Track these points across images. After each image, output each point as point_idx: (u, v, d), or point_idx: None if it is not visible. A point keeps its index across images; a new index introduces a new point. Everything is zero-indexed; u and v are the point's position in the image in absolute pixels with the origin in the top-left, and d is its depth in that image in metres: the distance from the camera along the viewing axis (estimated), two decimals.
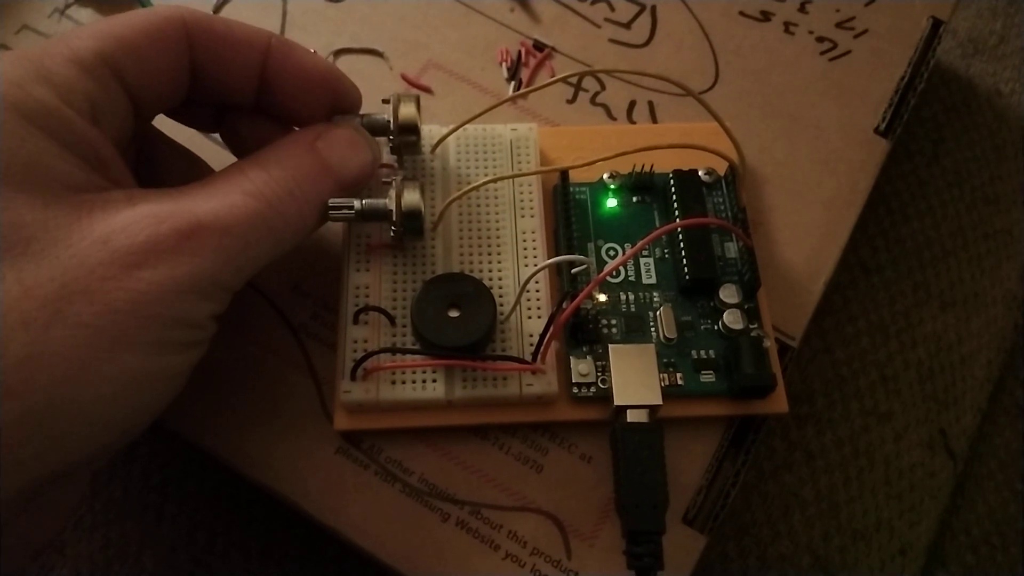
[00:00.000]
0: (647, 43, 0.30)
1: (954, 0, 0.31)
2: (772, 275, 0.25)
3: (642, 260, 0.25)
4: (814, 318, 0.25)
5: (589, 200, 0.26)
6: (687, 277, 0.24)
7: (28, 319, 0.16)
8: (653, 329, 0.24)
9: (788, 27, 0.30)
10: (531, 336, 0.23)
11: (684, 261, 0.24)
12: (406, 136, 0.24)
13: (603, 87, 0.29)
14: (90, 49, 0.19)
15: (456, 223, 0.24)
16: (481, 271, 0.24)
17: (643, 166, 0.25)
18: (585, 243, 0.25)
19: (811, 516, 0.28)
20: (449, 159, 0.25)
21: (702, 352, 0.23)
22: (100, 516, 0.27)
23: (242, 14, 0.30)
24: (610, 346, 0.23)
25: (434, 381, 0.22)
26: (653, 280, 0.24)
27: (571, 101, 0.29)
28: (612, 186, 0.26)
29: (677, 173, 0.25)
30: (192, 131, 0.26)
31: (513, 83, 0.29)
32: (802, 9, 0.31)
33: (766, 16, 0.31)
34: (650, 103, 0.29)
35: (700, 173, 0.26)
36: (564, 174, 0.25)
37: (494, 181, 0.24)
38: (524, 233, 0.24)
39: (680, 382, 0.23)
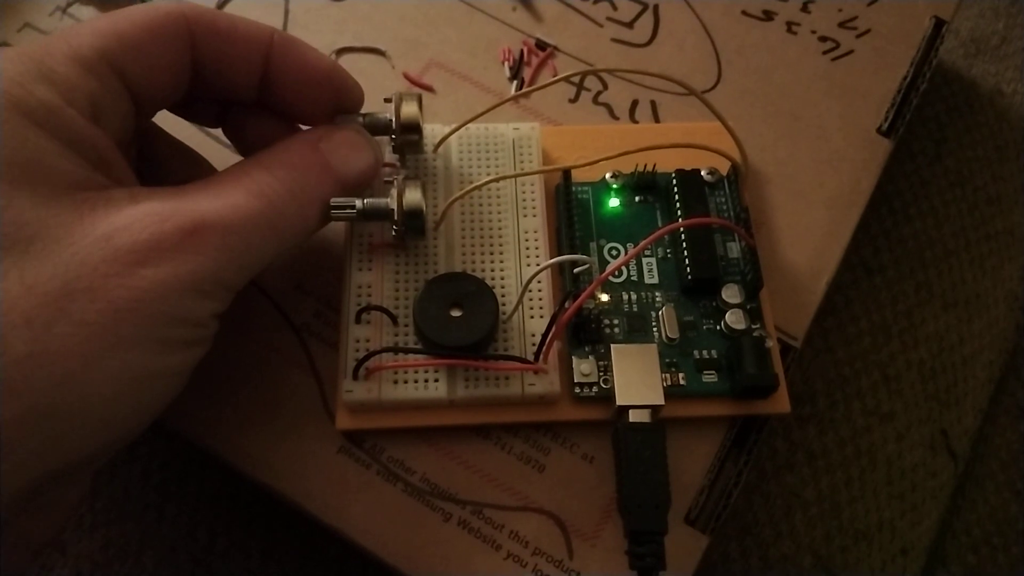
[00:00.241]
0: (649, 42, 0.30)
1: (956, 0, 0.31)
2: (774, 275, 0.25)
3: (644, 260, 0.25)
4: (816, 318, 0.25)
5: (591, 200, 0.26)
6: (689, 277, 0.24)
7: (30, 317, 0.16)
8: (655, 329, 0.24)
9: (791, 27, 0.30)
10: (533, 336, 0.23)
11: (686, 261, 0.24)
12: (408, 135, 0.23)
13: (605, 86, 0.29)
14: (91, 47, 0.19)
15: (458, 222, 0.24)
16: (483, 270, 0.24)
17: (645, 166, 0.25)
18: (587, 243, 0.25)
19: (813, 516, 0.28)
20: (451, 158, 0.25)
21: (704, 352, 0.23)
22: (101, 515, 0.27)
23: (245, 13, 0.29)
24: (612, 346, 0.23)
25: (436, 381, 0.22)
26: (655, 280, 0.24)
27: (573, 100, 0.29)
28: (614, 186, 0.26)
29: (679, 173, 0.25)
30: (193, 129, 0.26)
31: (515, 82, 0.29)
32: (804, 9, 0.31)
33: (768, 15, 0.31)
34: (652, 102, 0.29)
35: (702, 173, 0.26)
36: (566, 173, 0.25)
37: (496, 180, 0.24)
38: (526, 232, 0.24)
39: (682, 382, 0.23)
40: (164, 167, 0.23)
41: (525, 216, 0.25)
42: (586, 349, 0.23)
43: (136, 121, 0.21)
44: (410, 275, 0.24)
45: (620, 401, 0.22)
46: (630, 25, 0.30)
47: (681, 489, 0.22)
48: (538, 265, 0.23)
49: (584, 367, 0.23)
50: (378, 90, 0.24)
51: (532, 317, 0.23)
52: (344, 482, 0.23)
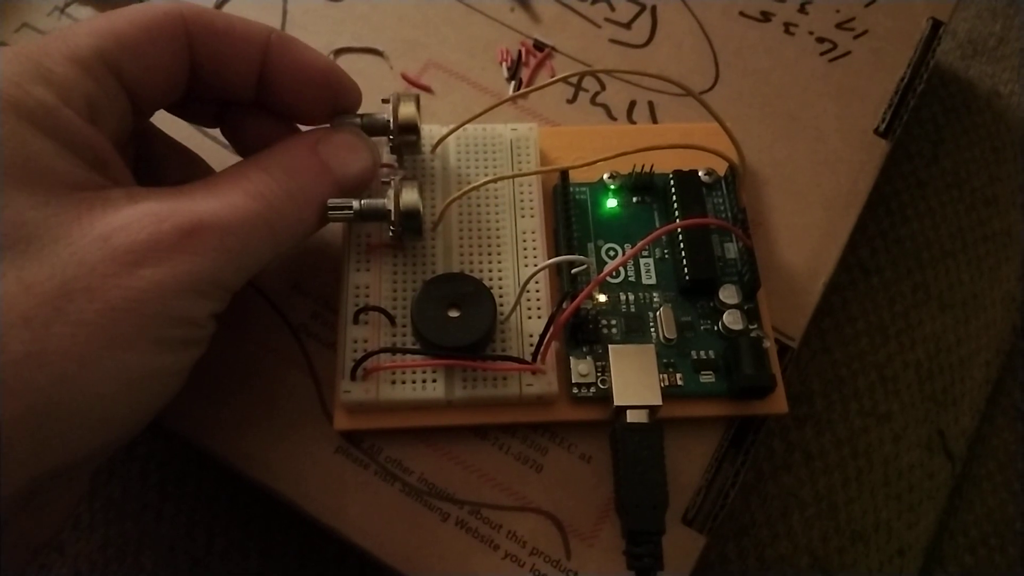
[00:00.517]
0: (647, 43, 0.30)
1: (954, 1, 0.31)
2: (772, 276, 0.25)
3: (642, 260, 0.25)
4: (813, 319, 0.25)
5: (589, 200, 0.26)
6: (687, 277, 0.24)
7: (28, 316, 0.16)
8: (653, 329, 0.24)
9: (788, 28, 0.30)
10: (531, 336, 0.23)
11: (684, 261, 0.24)
12: (406, 136, 0.23)
13: (603, 87, 0.29)
14: (89, 47, 0.19)
15: (456, 223, 0.24)
16: (481, 271, 0.24)
17: (643, 166, 0.25)
18: (585, 243, 0.25)
19: (810, 517, 0.28)
20: (449, 159, 0.25)
21: (702, 352, 0.23)
22: (99, 515, 0.27)
23: (242, 13, 0.29)
24: (610, 346, 0.23)
25: (434, 381, 0.22)
26: (653, 280, 0.24)
27: (571, 101, 0.29)
28: (612, 186, 0.26)
29: (677, 173, 0.25)
30: (191, 129, 0.26)
31: (513, 83, 0.29)
32: (802, 10, 0.31)
33: (766, 16, 0.31)
34: (650, 103, 0.29)
35: (700, 173, 0.26)
36: (564, 174, 0.25)
37: (494, 181, 0.24)
38: (524, 233, 0.24)
39: (680, 382, 0.23)
40: (161, 167, 0.23)
41: (523, 217, 0.25)
42: (584, 349, 0.23)
43: (133, 121, 0.21)
44: (408, 276, 0.24)
45: (618, 401, 0.22)
46: (628, 26, 0.30)
47: (678, 489, 0.22)
48: (536, 266, 0.24)
49: (582, 367, 0.23)
50: (376, 91, 0.24)
51: (530, 317, 0.23)
52: (342, 482, 0.23)
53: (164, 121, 0.23)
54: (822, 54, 0.30)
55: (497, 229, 0.24)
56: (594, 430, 0.23)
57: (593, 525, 0.22)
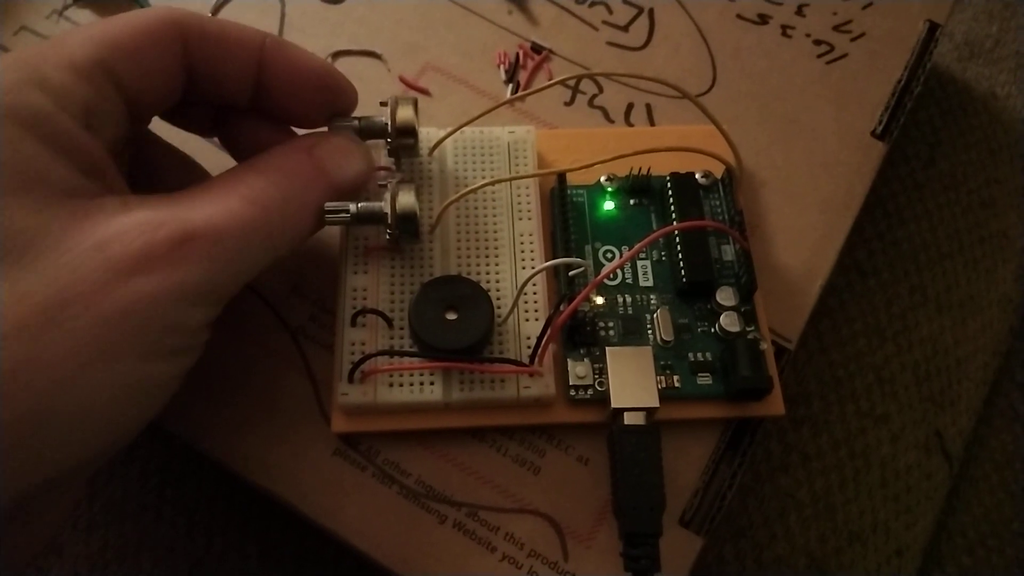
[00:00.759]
0: (645, 46, 0.30)
1: (950, 3, 0.31)
2: (769, 278, 0.25)
3: (639, 263, 0.25)
4: (810, 320, 0.25)
5: (586, 203, 0.26)
6: (684, 280, 0.24)
7: (22, 325, 0.16)
8: (650, 331, 0.24)
9: (785, 30, 0.30)
10: (528, 339, 0.23)
11: (681, 264, 0.24)
12: (403, 139, 0.24)
13: (601, 90, 0.29)
14: (86, 53, 0.19)
15: (454, 226, 0.24)
16: (479, 274, 0.24)
17: (640, 169, 0.25)
18: (582, 246, 0.25)
19: (807, 518, 0.28)
20: (447, 161, 0.25)
21: (699, 354, 0.23)
22: (99, 517, 0.27)
23: (241, 16, 0.30)
24: (607, 348, 0.23)
25: (432, 383, 0.22)
26: (650, 283, 0.25)
27: (569, 104, 0.29)
28: (609, 189, 0.26)
29: (674, 176, 0.26)
30: (189, 134, 0.26)
31: (511, 85, 0.29)
32: (799, 12, 0.31)
33: (763, 19, 0.31)
34: (648, 106, 0.29)
35: (697, 176, 0.26)
36: (562, 177, 0.25)
37: (492, 184, 0.24)
38: (521, 236, 0.24)
39: (677, 384, 0.23)
40: (159, 173, 0.23)
41: (520, 219, 0.25)
42: (581, 352, 0.23)
43: (130, 127, 0.21)
44: (405, 278, 0.24)
45: (615, 403, 0.22)
46: (625, 29, 0.30)
47: (676, 491, 0.22)
48: (533, 268, 0.24)
49: (579, 369, 0.23)
50: (374, 93, 0.24)
51: (527, 320, 0.23)
52: (339, 484, 0.23)
53: (161, 127, 0.23)
54: (819, 56, 0.30)
55: (495, 232, 0.24)
56: (591, 432, 0.23)
57: (591, 527, 0.22)
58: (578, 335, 0.23)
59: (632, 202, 0.26)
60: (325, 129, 0.23)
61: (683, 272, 0.24)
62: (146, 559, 0.26)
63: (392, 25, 0.30)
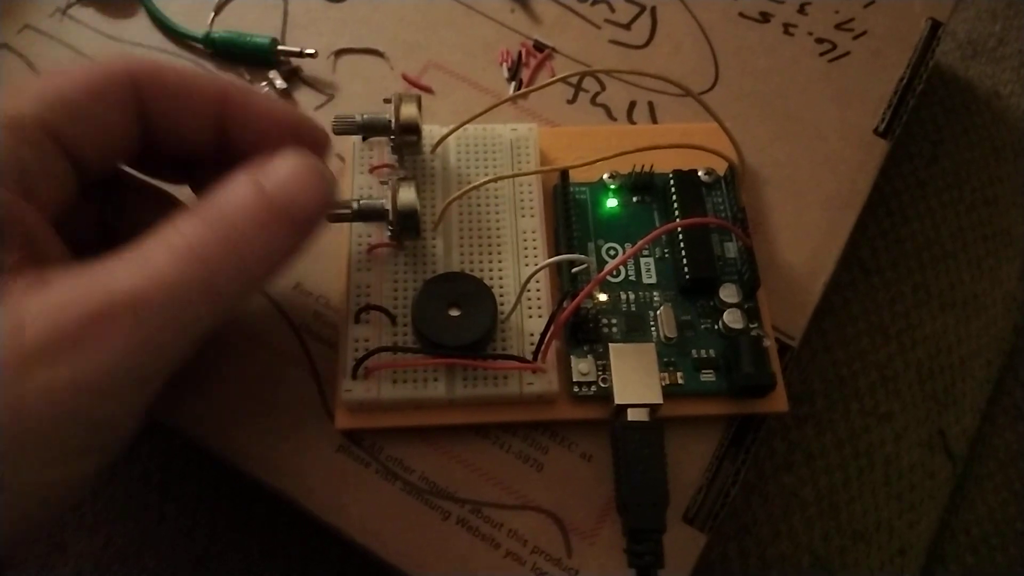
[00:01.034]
0: (647, 44, 0.30)
1: (953, 2, 0.31)
2: (772, 275, 0.25)
3: (642, 260, 0.25)
4: (814, 318, 0.25)
5: (589, 200, 0.26)
6: (687, 277, 0.24)
7: None
8: (653, 328, 0.24)
9: (787, 28, 0.30)
10: (532, 335, 0.23)
11: (684, 261, 0.24)
12: (407, 136, 0.24)
13: (603, 87, 0.29)
14: (28, 114, 0.18)
15: (456, 223, 0.24)
16: (481, 270, 0.24)
17: (643, 166, 0.25)
18: (585, 243, 0.25)
19: (811, 516, 0.28)
20: (449, 159, 0.26)
21: (702, 351, 0.23)
22: (101, 515, 0.27)
23: (243, 15, 0.30)
24: (610, 345, 0.23)
25: (435, 380, 0.22)
26: (653, 280, 0.24)
27: (571, 101, 0.29)
28: (612, 186, 0.26)
29: (677, 173, 0.26)
30: None
31: (513, 83, 0.29)
32: (801, 10, 0.31)
33: (765, 17, 0.31)
34: (650, 103, 0.29)
35: (700, 173, 0.26)
36: (564, 174, 0.25)
37: (494, 181, 0.24)
38: (524, 233, 0.24)
39: (680, 381, 0.23)
40: (135, 215, 0.22)
41: (523, 216, 0.25)
42: (584, 348, 0.23)
43: (78, 184, 0.19)
44: (409, 275, 0.24)
45: (618, 400, 0.22)
46: (628, 27, 0.30)
47: (679, 488, 0.22)
48: (536, 265, 0.24)
49: (582, 366, 0.23)
50: (377, 91, 0.24)
51: (530, 317, 0.23)
52: (343, 481, 0.23)
53: None
54: (821, 54, 0.30)
55: (497, 229, 0.24)
56: (595, 429, 0.23)
57: (594, 523, 0.22)
58: (581, 332, 0.23)
59: (635, 199, 0.26)
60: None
61: (686, 269, 0.24)
62: (149, 557, 0.26)
63: (395, 23, 0.30)
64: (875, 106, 0.29)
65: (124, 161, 0.21)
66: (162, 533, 0.27)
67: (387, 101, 0.24)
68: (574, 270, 0.23)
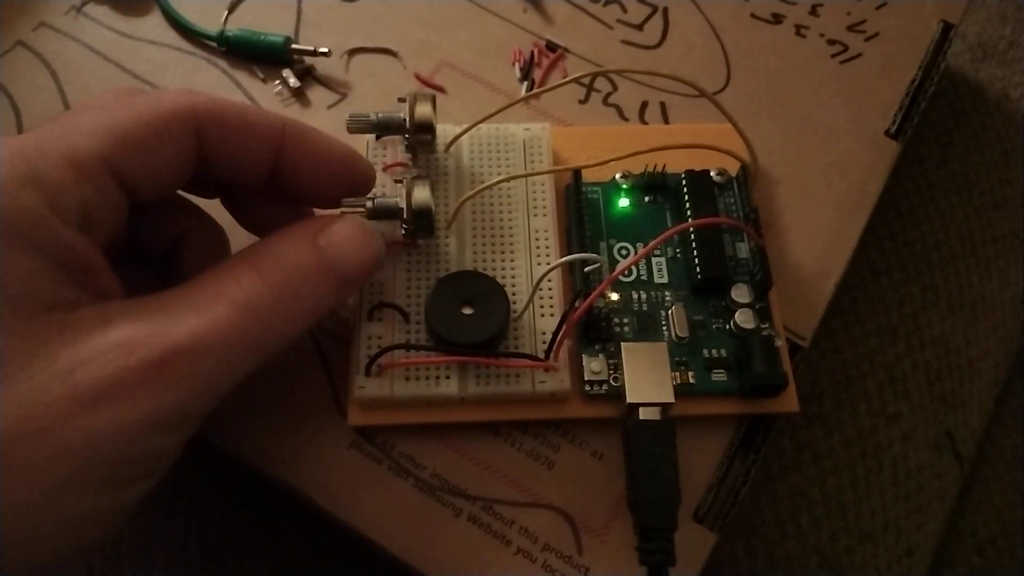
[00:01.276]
0: (659, 44, 0.30)
1: (964, 4, 0.31)
2: (783, 275, 0.25)
3: (654, 259, 0.25)
4: (824, 319, 0.26)
5: (601, 200, 0.26)
6: (699, 276, 0.24)
7: None
8: (665, 328, 0.24)
9: (799, 30, 0.30)
10: (544, 334, 0.23)
11: (696, 260, 0.24)
12: (421, 135, 0.24)
13: (615, 88, 0.29)
14: (90, 149, 0.18)
15: (470, 221, 0.25)
16: (494, 269, 0.24)
17: (655, 166, 0.26)
18: (597, 242, 0.25)
19: (819, 516, 0.28)
20: (463, 158, 0.26)
21: (714, 351, 0.23)
22: None
23: (257, 14, 0.30)
24: (622, 344, 0.23)
25: (448, 377, 0.22)
26: (665, 279, 0.25)
27: (583, 101, 0.29)
28: (624, 186, 0.26)
29: (689, 173, 0.26)
30: None
31: (526, 83, 0.29)
32: (813, 12, 0.31)
33: (777, 19, 0.31)
34: (662, 104, 0.29)
35: (712, 173, 0.26)
36: (577, 173, 0.25)
37: (507, 180, 0.25)
38: (537, 232, 0.24)
39: (692, 380, 0.23)
40: (159, 227, 0.22)
41: (536, 215, 0.25)
42: (596, 347, 0.23)
43: (129, 214, 0.20)
44: (422, 273, 0.24)
45: (630, 399, 0.22)
46: (640, 27, 0.31)
47: (690, 487, 0.23)
48: (548, 264, 0.24)
49: (594, 365, 0.23)
50: (390, 91, 0.24)
51: (543, 315, 0.23)
52: (355, 477, 0.23)
53: None
54: (833, 56, 0.30)
55: (510, 228, 0.25)
56: (606, 427, 0.23)
57: (605, 521, 0.22)
58: (593, 331, 0.23)
59: (647, 199, 0.26)
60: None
61: (698, 269, 0.24)
62: (159, 553, 0.26)
63: (407, 22, 0.30)
64: (886, 108, 0.29)
65: (175, 190, 0.21)
66: (172, 528, 0.27)
67: (402, 100, 0.24)
68: (587, 269, 0.24)
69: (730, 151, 0.24)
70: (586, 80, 0.29)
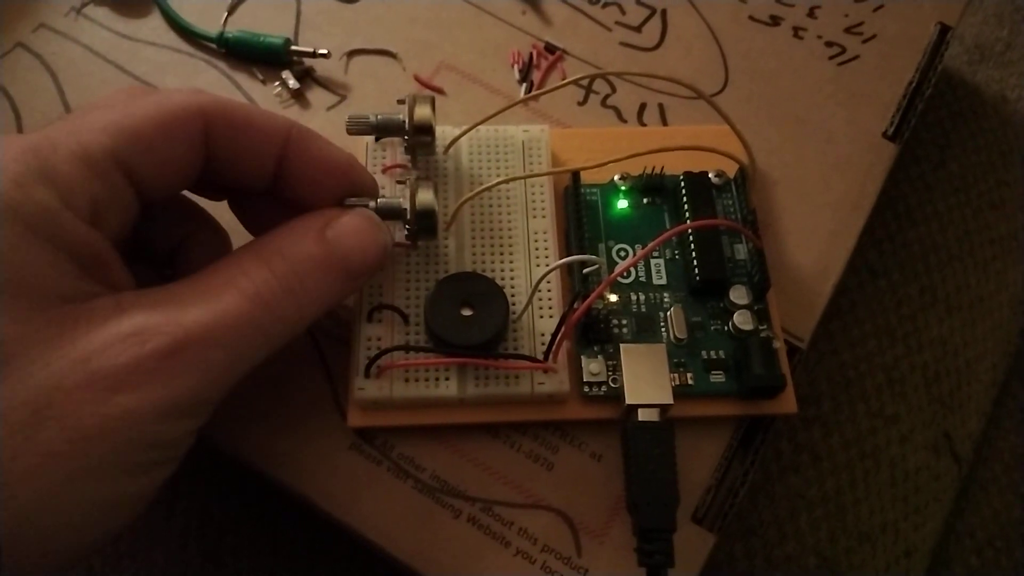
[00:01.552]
0: (657, 46, 0.30)
1: (962, 6, 0.31)
2: (781, 277, 0.25)
3: (653, 261, 0.25)
4: (822, 320, 0.26)
5: (600, 201, 0.26)
6: (697, 278, 0.24)
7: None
8: (664, 329, 0.24)
9: (797, 32, 0.31)
10: (543, 335, 0.23)
11: (694, 262, 0.24)
12: (421, 136, 0.24)
13: (614, 89, 0.29)
14: (100, 145, 0.18)
15: (469, 223, 0.25)
16: (494, 271, 0.24)
17: (654, 168, 0.26)
18: (596, 244, 0.25)
19: (817, 517, 0.28)
20: (462, 160, 0.26)
21: (712, 352, 0.24)
22: None
23: (257, 15, 0.30)
24: (621, 346, 0.23)
25: (447, 379, 0.22)
26: (664, 281, 0.25)
27: (582, 103, 0.29)
28: (623, 187, 0.26)
29: (687, 175, 0.26)
30: None
31: (525, 85, 0.29)
32: (811, 14, 0.31)
33: (775, 20, 0.31)
34: (660, 106, 0.29)
35: (710, 175, 0.26)
36: (575, 175, 0.25)
37: (506, 182, 0.25)
38: (536, 233, 0.25)
39: (690, 382, 0.23)
40: (166, 227, 0.22)
41: (535, 217, 0.25)
42: (595, 349, 0.23)
43: (139, 211, 0.20)
44: (421, 274, 0.24)
45: (629, 400, 0.22)
46: (638, 29, 0.31)
47: (688, 488, 0.23)
48: (547, 266, 0.24)
49: (593, 366, 0.23)
50: (389, 92, 0.24)
51: (542, 317, 0.23)
52: (355, 478, 0.23)
53: None
54: (831, 58, 0.30)
55: (509, 229, 0.25)
56: (605, 429, 0.23)
57: (604, 523, 0.22)
58: (592, 332, 0.23)
59: (645, 201, 0.26)
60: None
61: (696, 270, 0.24)
62: (159, 553, 0.27)
63: (407, 24, 0.30)
64: (884, 109, 0.29)
65: (183, 189, 0.21)
66: (172, 528, 0.27)
67: (401, 102, 0.24)
68: (585, 271, 0.24)
69: (728, 153, 0.24)
70: (585, 82, 0.29)
